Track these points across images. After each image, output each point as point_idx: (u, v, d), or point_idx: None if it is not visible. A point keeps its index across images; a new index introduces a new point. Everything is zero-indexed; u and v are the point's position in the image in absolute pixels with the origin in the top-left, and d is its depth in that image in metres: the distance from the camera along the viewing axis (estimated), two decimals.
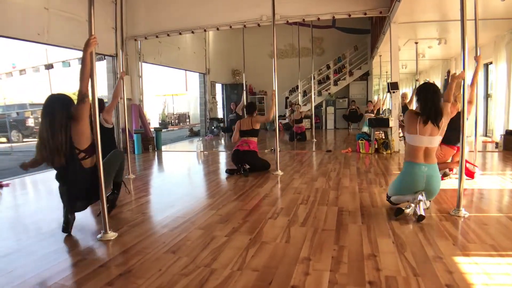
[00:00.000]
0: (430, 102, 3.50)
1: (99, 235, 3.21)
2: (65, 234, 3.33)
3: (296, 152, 8.72)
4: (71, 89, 36.20)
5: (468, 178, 5.12)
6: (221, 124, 14.45)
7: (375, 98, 15.92)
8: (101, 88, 12.80)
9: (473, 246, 2.83)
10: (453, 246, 2.84)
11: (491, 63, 10.36)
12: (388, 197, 3.89)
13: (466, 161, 5.00)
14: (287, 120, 11.99)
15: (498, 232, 3.10)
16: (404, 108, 9.80)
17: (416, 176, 3.52)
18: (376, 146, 8.19)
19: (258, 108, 17.72)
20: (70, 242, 3.18)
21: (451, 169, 5.28)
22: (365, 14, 8.51)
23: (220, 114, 16.66)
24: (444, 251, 2.72)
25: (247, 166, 6.06)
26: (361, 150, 8.26)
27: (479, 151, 7.20)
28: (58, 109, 3.18)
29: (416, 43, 10.32)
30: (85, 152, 3.20)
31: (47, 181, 6.24)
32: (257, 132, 6.28)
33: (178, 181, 6.02)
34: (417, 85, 6.91)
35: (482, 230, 3.15)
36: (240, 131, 6.24)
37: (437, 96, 3.56)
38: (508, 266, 2.47)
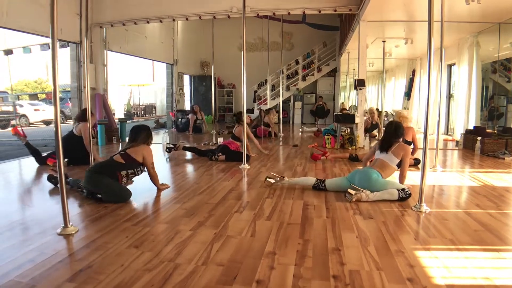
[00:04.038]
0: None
1: (59, 229, 3.09)
2: (23, 228, 3.22)
3: (263, 146, 8.74)
4: (32, 77, 34.93)
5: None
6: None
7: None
8: (64, 77, 12.37)
9: (433, 240, 2.93)
10: (414, 240, 2.93)
11: (454, 64, 10.73)
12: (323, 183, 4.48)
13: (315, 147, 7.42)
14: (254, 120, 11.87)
15: (457, 227, 3.23)
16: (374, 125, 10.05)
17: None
18: (342, 142, 8.34)
19: (226, 101, 17.77)
20: (28, 236, 3.05)
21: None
22: (335, 10, 8.59)
23: (187, 106, 16.45)
24: (406, 245, 2.80)
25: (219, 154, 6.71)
26: (327, 145, 8.37)
27: (440, 149, 7.44)
28: None
29: (384, 41, 10.54)
30: None
31: (3, 172, 5.97)
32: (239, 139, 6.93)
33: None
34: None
35: (442, 225, 3.27)
36: (232, 134, 7.08)
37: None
38: (465, 260, 2.57)
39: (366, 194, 3.98)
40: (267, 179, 4.70)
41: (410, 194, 4.06)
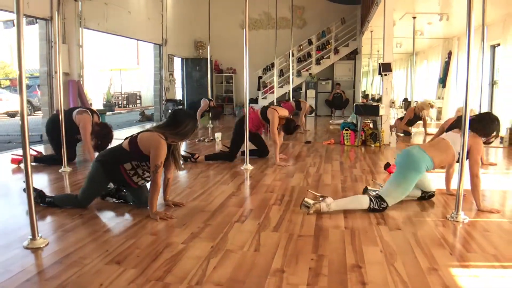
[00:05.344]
0: None
1: (26, 242, 3.10)
2: None
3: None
4: None
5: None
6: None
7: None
8: (32, 60, 12.39)
9: (473, 256, 2.92)
10: (450, 256, 2.93)
11: (498, 45, 10.66)
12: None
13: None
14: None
15: (502, 240, 3.22)
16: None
17: None
18: (363, 138, 8.32)
19: (225, 89, 17.75)
20: None
21: None
22: None
23: (179, 95, 16.45)
24: (440, 262, 2.80)
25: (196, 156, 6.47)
26: (345, 142, 8.36)
27: None
28: None
29: (414, 18, 10.49)
30: None
31: None
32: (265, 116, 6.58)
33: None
34: None
35: (483, 238, 3.26)
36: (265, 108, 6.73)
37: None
38: None
39: (326, 203, 3.82)
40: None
41: (385, 207, 3.85)
